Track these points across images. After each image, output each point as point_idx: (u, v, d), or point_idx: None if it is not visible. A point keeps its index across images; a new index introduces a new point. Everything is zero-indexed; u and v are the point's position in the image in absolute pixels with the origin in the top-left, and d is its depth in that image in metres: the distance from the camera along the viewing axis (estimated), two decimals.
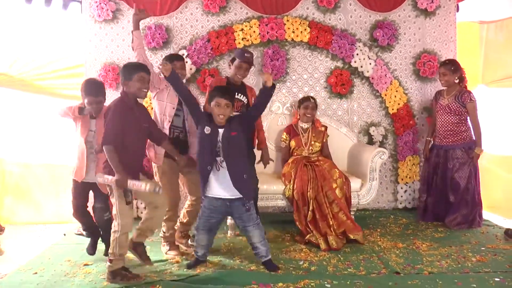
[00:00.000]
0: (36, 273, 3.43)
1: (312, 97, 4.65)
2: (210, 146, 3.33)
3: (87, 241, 4.17)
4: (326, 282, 3.11)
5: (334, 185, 4.15)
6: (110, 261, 3.23)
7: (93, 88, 3.60)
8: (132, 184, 3.13)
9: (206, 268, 3.44)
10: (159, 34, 4.89)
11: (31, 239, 4.72)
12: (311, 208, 4.09)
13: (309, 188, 4.12)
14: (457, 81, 4.50)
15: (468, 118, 4.51)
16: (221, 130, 3.34)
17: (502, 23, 5.29)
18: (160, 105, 3.77)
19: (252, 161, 4.13)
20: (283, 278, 3.18)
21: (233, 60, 4.07)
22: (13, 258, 4.12)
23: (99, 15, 4.87)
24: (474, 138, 4.49)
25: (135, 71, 3.29)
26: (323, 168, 4.24)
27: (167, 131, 3.69)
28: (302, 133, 4.56)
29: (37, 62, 5.05)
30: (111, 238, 3.24)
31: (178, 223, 3.95)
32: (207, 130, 3.33)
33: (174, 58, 3.93)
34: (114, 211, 3.25)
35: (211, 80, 4.45)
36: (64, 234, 4.51)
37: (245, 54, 3.98)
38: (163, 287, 3.07)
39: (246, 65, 4.00)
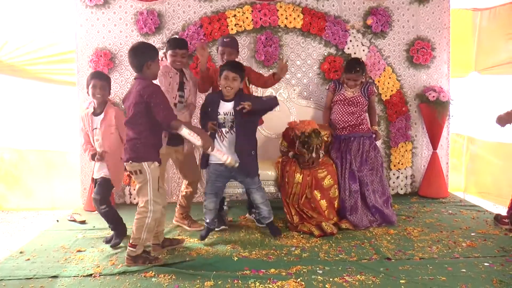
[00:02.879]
0: (28, 259, 3.42)
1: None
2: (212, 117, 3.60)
3: (80, 227, 4.19)
4: (318, 268, 3.14)
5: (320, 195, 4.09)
6: (134, 246, 3.21)
7: (99, 74, 3.72)
8: (216, 150, 3.30)
9: (198, 254, 3.45)
10: (151, 19, 4.84)
11: (23, 225, 4.72)
12: (302, 201, 4.08)
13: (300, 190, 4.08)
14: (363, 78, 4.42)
15: (367, 109, 4.46)
16: (229, 104, 3.59)
17: (495, 10, 5.29)
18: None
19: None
20: (275, 265, 3.20)
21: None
22: (5, 244, 4.12)
23: (90, 0, 4.80)
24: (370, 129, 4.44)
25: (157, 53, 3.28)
26: (317, 174, 4.08)
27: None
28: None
29: (27, 47, 5.00)
30: (138, 224, 3.19)
31: (177, 206, 4.20)
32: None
33: (177, 46, 3.83)
34: (144, 198, 3.18)
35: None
36: (57, 220, 4.50)
37: (224, 39, 4.05)
38: (155, 272, 3.09)
39: (229, 49, 4.00)
